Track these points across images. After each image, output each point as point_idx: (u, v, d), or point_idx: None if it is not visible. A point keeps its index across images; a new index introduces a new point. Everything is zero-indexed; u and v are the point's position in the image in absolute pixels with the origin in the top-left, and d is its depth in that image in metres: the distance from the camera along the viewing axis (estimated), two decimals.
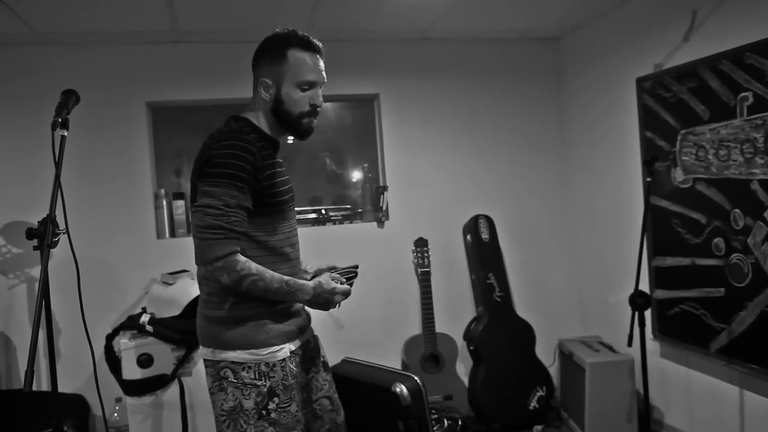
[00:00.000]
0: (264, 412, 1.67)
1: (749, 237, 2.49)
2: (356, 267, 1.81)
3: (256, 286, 1.62)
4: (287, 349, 1.75)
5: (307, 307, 1.87)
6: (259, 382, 1.68)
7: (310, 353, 1.90)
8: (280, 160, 1.83)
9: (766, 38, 2.33)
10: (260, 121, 1.78)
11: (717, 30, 2.61)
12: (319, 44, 1.74)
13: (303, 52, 1.70)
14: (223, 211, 1.59)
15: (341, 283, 1.74)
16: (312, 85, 1.72)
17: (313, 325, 1.99)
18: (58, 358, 3.12)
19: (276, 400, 1.69)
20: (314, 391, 1.89)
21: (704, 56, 2.64)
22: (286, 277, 1.67)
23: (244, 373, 1.68)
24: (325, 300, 1.68)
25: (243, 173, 1.61)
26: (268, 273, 1.64)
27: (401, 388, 2.74)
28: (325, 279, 1.70)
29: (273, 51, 1.71)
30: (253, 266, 1.62)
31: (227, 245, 1.59)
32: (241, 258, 1.62)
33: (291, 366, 1.75)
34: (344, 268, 1.81)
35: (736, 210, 2.55)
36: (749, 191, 2.46)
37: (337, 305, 1.74)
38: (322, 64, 1.75)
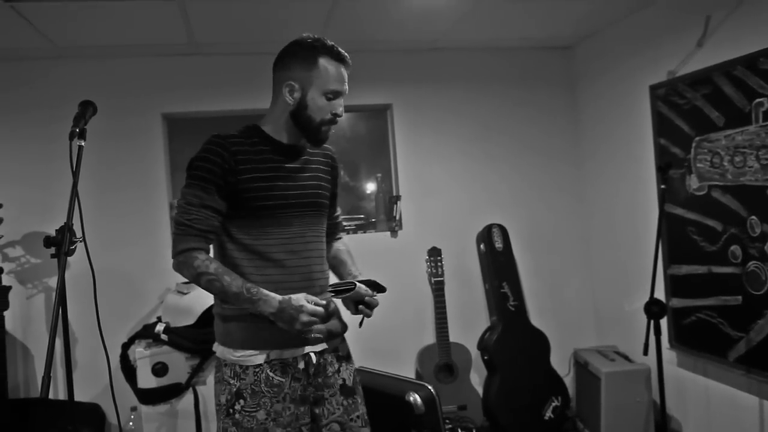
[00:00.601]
0: (231, 410, 1.71)
1: (767, 244, 2.46)
2: (352, 284, 1.71)
3: (213, 286, 1.65)
4: (264, 356, 1.72)
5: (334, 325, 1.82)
6: (232, 381, 1.72)
7: (317, 369, 1.80)
8: (290, 165, 1.78)
9: None
10: (275, 124, 1.78)
11: (731, 36, 2.59)
12: (347, 55, 1.75)
13: (332, 62, 1.71)
14: (185, 209, 1.66)
15: (324, 301, 1.67)
16: (336, 94, 1.73)
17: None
18: (74, 367, 3.16)
19: (242, 402, 1.70)
20: (324, 414, 1.81)
21: (718, 62, 2.63)
22: (249, 285, 1.64)
23: (225, 369, 1.75)
24: (289, 317, 1.61)
25: (208, 174, 1.66)
26: (229, 276, 1.64)
27: (415, 398, 2.73)
28: (297, 296, 1.64)
29: (303, 56, 1.72)
30: (213, 266, 1.65)
31: (186, 241, 1.65)
32: (201, 256, 1.65)
33: (269, 373, 1.71)
34: (338, 284, 1.76)
35: (753, 217, 2.52)
36: (766, 198, 2.44)
37: (360, 322, 1.75)
38: (346, 75, 1.75)
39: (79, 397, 2.95)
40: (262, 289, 1.65)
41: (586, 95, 3.80)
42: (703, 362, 2.93)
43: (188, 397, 2.82)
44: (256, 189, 1.71)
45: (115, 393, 2.21)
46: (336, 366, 1.85)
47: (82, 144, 1.73)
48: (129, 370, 2.84)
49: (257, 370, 1.72)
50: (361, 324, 1.81)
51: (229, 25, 3.02)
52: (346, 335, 1.94)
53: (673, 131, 2.94)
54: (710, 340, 2.80)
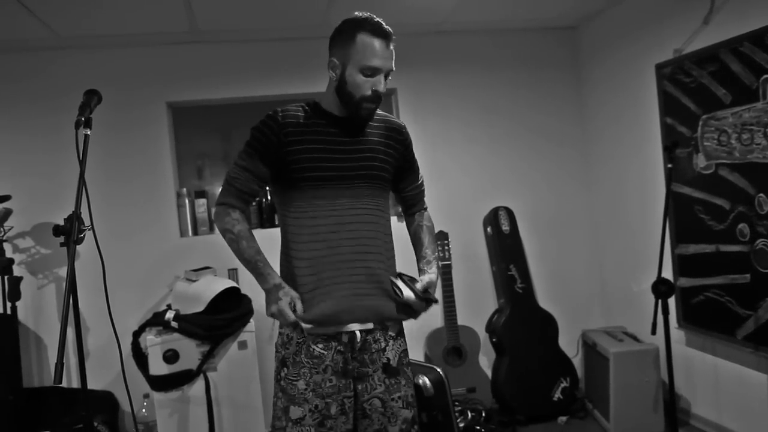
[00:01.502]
0: (278, 377, 1.81)
1: None
2: (399, 293, 1.78)
3: (232, 245, 1.77)
4: (301, 328, 1.76)
5: (378, 302, 1.82)
6: (280, 349, 1.82)
7: (363, 345, 1.80)
8: (343, 138, 1.78)
9: None
10: (329, 99, 1.81)
11: (737, 12, 2.56)
12: (390, 30, 1.73)
13: (372, 38, 1.70)
14: (233, 168, 1.79)
15: (294, 318, 1.72)
16: (376, 71, 1.71)
17: None
18: (87, 356, 3.20)
19: (285, 370, 1.78)
20: (367, 389, 1.82)
21: (725, 39, 2.60)
22: (260, 257, 1.76)
23: (278, 338, 1.85)
24: (270, 301, 1.74)
25: (255, 142, 1.76)
26: (246, 242, 1.75)
27: (424, 380, 2.75)
28: (288, 292, 1.73)
29: (344, 32, 1.73)
30: (238, 227, 1.76)
31: (225, 196, 1.79)
32: (234, 214, 1.77)
33: (311, 345, 1.76)
34: (392, 289, 1.81)
35: (761, 194, 2.50)
36: None
37: (417, 314, 1.82)
38: (391, 51, 1.74)
39: (92, 385, 2.98)
40: (268, 266, 1.76)
41: (591, 76, 3.77)
42: (711, 341, 2.93)
43: (199, 383, 2.85)
44: (304, 160, 1.75)
45: (128, 380, 2.23)
46: (383, 344, 1.84)
47: (88, 133, 1.75)
48: (140, 358, 2.87)
49: (300, 340, 1.77)
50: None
51: (230, 12, 3.01)
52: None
53: (679, 110, 2.91)
54: (718, 318, 2.80)
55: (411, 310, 1.80)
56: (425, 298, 1.79)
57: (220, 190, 1.82)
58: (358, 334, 1.78)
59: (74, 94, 2.01)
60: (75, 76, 3.28)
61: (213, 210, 1.82)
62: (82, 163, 1.70)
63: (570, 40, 3.87)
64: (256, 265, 1.75)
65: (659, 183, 3.14)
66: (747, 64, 2.50)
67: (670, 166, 2.71)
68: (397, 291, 1.77)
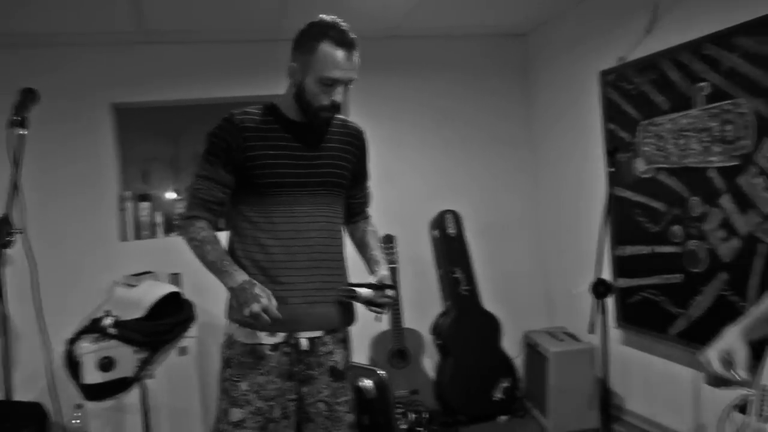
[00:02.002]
0: (222, 377, 1.76)
1: (705, 223, 2.56)
2: (353, 292, 1.72)
3: (196, 251, 1.71)
4: (254, 336, 1.72)
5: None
6: (224, 349, 1.78)
7: (311, 349, 1.77)
8: (302, 144, 1.75)
9: (723, 29, 2.40)
10: (288, 102, 1.76)
11: (678, 22, 2.67)
12: (354, 39, 1.68)
13: (335, 48, 1.64)
14: (194, 179, 1.74)
15: (278, 314, 1.63)
16: (336, 82, 1.67)
17: None
18: (17, 365, 3.01)
19: (229, 371, 1.74)
20: (312, 393, 1.79)
21: (665, 48, 2.70)
22: (226, 259, 1.69)
23: (225, 337, 1.80)
24: (244, 299, 1.62)
25: (215, 148, 1.71)
26: (211, 246, 1.69)
27: (365, 383, 2.75)
28: (261, 288, 1.63)
29: (306, 38, 1.67)
30: (202, 234, 1.70)
31: (189, 209, 1.74)
32: (198, 223, 1.71)
33: (258, 347, 1.72)
34: (340, 293, 1.77)
35: (694, 197, 2.62)
36: (706, 179, 2.54)
37: (380, 315, 1.77)
38: (354, 61, 1.70)
39: (22, 396, 2.82)
40: (234, 265, 1.68)
41: (539, 82, 3.86)
42: (646, 339, 3.04)
43: (136, 391, 2.73)
44: (263, 166, 1.70)
45: (62, 391, 2.11)
46: (330, 347, 1.82)
47: (24, 133, 1.64)
48: (73, 366, 2.73)
49: (246, 342, 1.73)
50: (378, 317, 1.82)
51: (180, 12, 2.92)
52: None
53: (621, 116, 3.02)
54: (653, 317, 2.91)
55: (377, 304, 1.75)
56: (383, 286, 1.75)
57: (185, 204, 1.76)
58: (303, 342, 1.75)
59: (12, 94, 1.87)
60: (13, 76, 3.07)
61: (176, 224, 1.75)
62: (17, 164, 1.59)
63: (520, 47, 3.95)
64: (222, 264, 1.68)
65: (601, 186, 3.23)
66: (684, 73, 2.61)
67: (612, 170, 2.80)
68: (353, 295, 1.73)
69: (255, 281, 1.65)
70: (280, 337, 1.73)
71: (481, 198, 3.87)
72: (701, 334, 2.62)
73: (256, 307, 1.57)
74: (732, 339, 1.39)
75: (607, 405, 2.84)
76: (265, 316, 1.57)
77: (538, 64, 3.85)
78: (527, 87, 3.95)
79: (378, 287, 1.74)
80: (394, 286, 1.79)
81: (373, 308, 1.75)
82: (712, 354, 1.37)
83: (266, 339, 1.72)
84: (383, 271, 1.85)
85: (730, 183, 2.44)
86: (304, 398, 1.79)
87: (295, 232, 1.74)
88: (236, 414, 1.70)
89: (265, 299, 1.59)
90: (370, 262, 1.93)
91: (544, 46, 3.76)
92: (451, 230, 3.72)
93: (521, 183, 3.97)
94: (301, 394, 1.78)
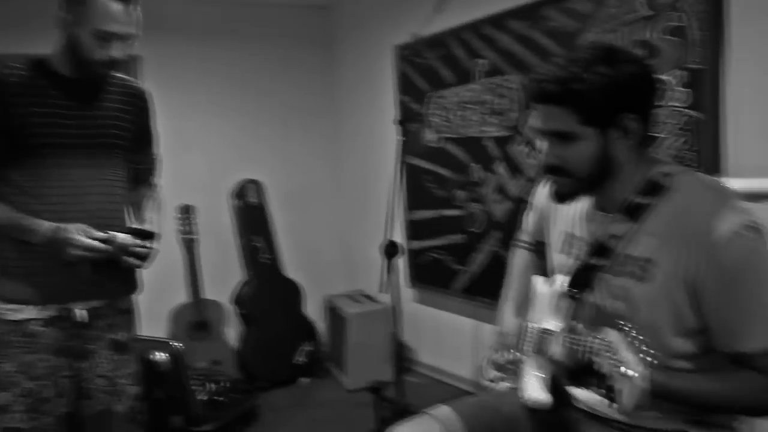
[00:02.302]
0: None
1: (483, 188, 2.87)
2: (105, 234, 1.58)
3: None
4: (24, 311, 1.57)
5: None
6: None
7: (89, 322, 1.66)
8: (75, 102, 1.60)
9: (498, 12, 2.69)
10: (60, 57, 1.58)
11: (463, 2, 2.90)
12: None
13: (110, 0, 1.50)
14: None
15: (107, 235, 1.55)
16: (112, 36, 1.52)
17: None
18: None
19: None
20: (90, 368, 1.68)
21: (451, 27, 2.95)
22: (15, 215, 1.54)
23: None
24: (60, 246, 1.52)
25: None
26: None
27: (157, 355, 2.65)
28: (72, 227, 1.52)
29: None
30: None
31: None
32: None
33: (27, 323, 1.58)
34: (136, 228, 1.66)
35: (475, 164, 2.91)
36: (483, 147, 2.84)
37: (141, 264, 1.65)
38: (133, 15, 1.55)
39: None
40: (31, 221, 1.54)
41: (340, 53, 3.96)
42: (434, 295, 3.33)
43: None
44: (31, 125, 1.52)
45: None
46: (110, 320, 1.71)
47: None
48: None
49: (12, 318, 1.56)
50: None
51: None
52: None
53: (413, 89, 3.24)
54: (440, 275, 3.19)
55: (135, 255, 1.63)
56: (145, 233, 1.65)
57: None
58: (79, 313, 1.64)
59: None
60: None
61: None
62: None
63: (324, 19, 4.00)
64: (17, 222, 1.52)
65: (395, 155, 3.43)
66: (467, 50, 2.87)
67: (403, 139, 2.99)
68: (108, 239, 1.57)
69: (61, 225, 1.52)
70: (53, 309, 1.59)
71: (283, 167, 3.89)
72: (479, 287, 2.94)
73: (75, 251, 1.51)
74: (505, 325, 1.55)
75: (400, 359, 3.04)
76: (97, 244, 1.52)
77: (340, 37, 3.96)
78: (330, 58, 4.04)
79: (139, 233, 1.64)
80: (154, 236, 1.67)
81: (131, 259, 1.62)
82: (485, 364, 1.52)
83: (36, 313, 1.57)
84: (148, 225, 1.76)
85: (503, 151, 2.75)
86: (82, 374, 1.67)
87: (72, 197, 1.60)
88: (2, 398, 1.55)
89: (82, 240, 1.51)
90: (137, 219, 1.82)
91: (346, 18, 3.88)
92: (253, 199, 3.68)
93: (323, 152, 4.06)
94: (78, 369, 1.66)
